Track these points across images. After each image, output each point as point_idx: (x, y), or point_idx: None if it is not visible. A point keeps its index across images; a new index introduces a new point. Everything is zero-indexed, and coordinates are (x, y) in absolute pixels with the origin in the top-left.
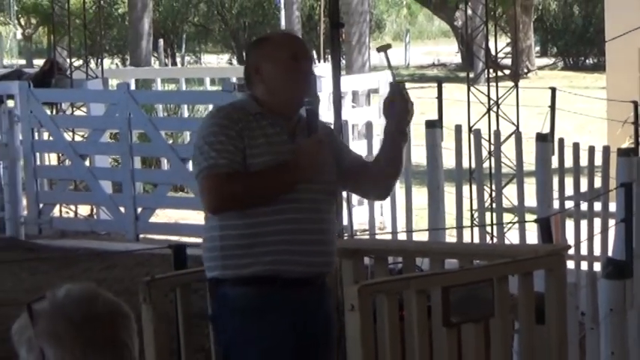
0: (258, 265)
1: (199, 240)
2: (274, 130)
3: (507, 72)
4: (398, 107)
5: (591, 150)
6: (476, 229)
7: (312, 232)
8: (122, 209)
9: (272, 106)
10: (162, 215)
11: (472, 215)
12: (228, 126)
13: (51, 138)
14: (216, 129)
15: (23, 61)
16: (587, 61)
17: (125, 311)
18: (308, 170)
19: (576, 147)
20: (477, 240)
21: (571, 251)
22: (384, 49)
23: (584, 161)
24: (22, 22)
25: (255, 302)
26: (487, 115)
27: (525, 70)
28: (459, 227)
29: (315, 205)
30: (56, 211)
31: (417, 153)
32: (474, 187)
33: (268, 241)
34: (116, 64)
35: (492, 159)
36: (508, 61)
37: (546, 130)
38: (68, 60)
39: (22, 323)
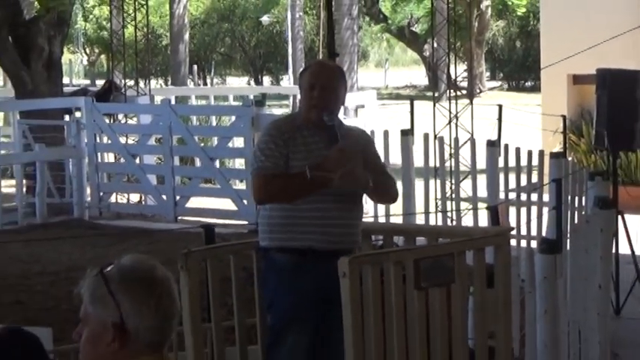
0: (295, 240)
1: (224, 221)
2: (313, 139)
3: (464, 92)
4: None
5: (529, 153)
6: (440, 215)
7: (337, 218)
8: (164, 197)
9: (307, 119)
10: (196, 202)
11: (437, 203)
12: (277, 135)
13: (109, 141)
14: (268, 138)
15: (88, 82)
16: (526, 83)
17: (171, 276)
18: (334, 172)
19: (517, 151)
20: (440, 223)
21: (513, 232)
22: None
23: (523, 162)
24: (87, 51)
25: (292, 267)
26: (449, 125)
27: (478, 91)
28: (427, 212)
29: (341, 198)
30: (113, 198)
31: (394, 155)
32: (438, 182)
33: (303, 223)
34: (160, 84)
35: (452, 159)
36: (465, 84)
37: (494, 137)
38: (123, 81)
39: (90, 285)
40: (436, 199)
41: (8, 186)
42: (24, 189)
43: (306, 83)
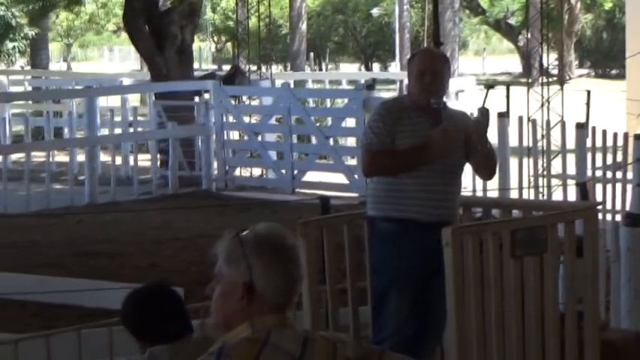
0: (399, 211)
1: (337, 194)
2: (419, 120)
3: (555, 78)
4: (482, 125)
5: (615, 135)
6: (532, 190)
7: (438, 192)
8: (283, 171)
9: (416, 102)
10: (312, 176)
11: (529, 180)
12: (385, 115)
13: (234, 120)
14: (377, 117)
15: (215, 67)
16: (612, 71)
17: (300, 243)
18: (435, 151)
19: (604, 133)
20: (532, 197)
21: (600, 207)
22: (489, 87)
23: (609, 143)
24: (215, 39)
25: (395, 235)
26: (541, 109)
27: (568, 77)
28: (521, 188)
29: (441, 174)
30: (237, 172)
31: (491, 136)
32: (531, 160)
33: (407, 195)
34: (280, 69)
35: (544, 140)
36: (555, 71)
37: (583, 120)
38: (247, 66)
39: (227, 247)
40: (529, 175)
41: (144, 160)
42: (158, 163)
43: (418, 69)
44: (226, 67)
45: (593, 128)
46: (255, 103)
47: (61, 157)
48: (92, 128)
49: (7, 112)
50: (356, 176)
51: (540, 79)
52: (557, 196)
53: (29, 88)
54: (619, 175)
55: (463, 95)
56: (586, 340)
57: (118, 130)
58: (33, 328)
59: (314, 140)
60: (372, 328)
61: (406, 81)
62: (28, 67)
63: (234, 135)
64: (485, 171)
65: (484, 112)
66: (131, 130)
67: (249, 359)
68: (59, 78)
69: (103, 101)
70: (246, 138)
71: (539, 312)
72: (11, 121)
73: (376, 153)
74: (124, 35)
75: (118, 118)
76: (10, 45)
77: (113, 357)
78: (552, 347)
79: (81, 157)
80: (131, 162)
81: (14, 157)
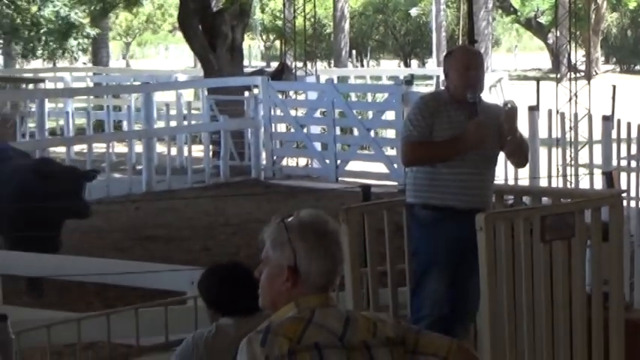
0: (436, 198)
1: (378, 182)
2: (455, 113)
3: (582, 74)
4: (512, 116)
5: (639, 127)
6: (561, 178)
7: (473, 181)
8: (327, 161)
9: (454, 96)
10: (354, 165)
11: (558, 169)
12: (424, 109)
13: (282, 114)
14: (416, 111)
15: (264, 64)
16: (636, 67)
17: (341, 228)
18: (470, 143)
19: (629, 125)
20: (561, 185)
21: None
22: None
23: (634, 134)
24: (264, 38)
25: (432, 221)
26: (569, 102)
27: (594, 73)
28: (550, 177)
29: (476, 163)
30: (284, 162)
31: (521, 128)
32: (560, 150)
33: (444, 184)
34: (324, 66)
35: (572, 132)
36: (583, 67)
37: (609, 113)
38: (294, 63)
39: (273, 232)
40: (558, 165)
41: (197, 151)
42: (210, 153)
43: (461, 65)
44: (274, 64)
45: (619, 120)
46: (301, 97)
47: (121, 148)
48: (149, 121)
49: (71, 106)
50: (395, 166)
51: (568, 74)
52: (584, 184)
53: (91, 84)
54: None
55: (496, 90)
56: (611, 319)
57: (173, 123)
58: (94, 308)
59: (356, 132)
60: (410, 308)
61: (442, 77)
62: (90, 65)
63: (282, 127)
64: (517, 159)
65: (512, 105)
66: (185, 123)
67: (294, 337)
68: (119, 74)
69: (160, 96)
70: (292, 130)
71: (567, 293)
72: (74, 114)
73: (415, 144)
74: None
75: (173, 112)
76: (73, 43)
77: (168, 334)
78: (579, 326)
79: (139, 148)
80: (185, 153)
81: (77, 148)
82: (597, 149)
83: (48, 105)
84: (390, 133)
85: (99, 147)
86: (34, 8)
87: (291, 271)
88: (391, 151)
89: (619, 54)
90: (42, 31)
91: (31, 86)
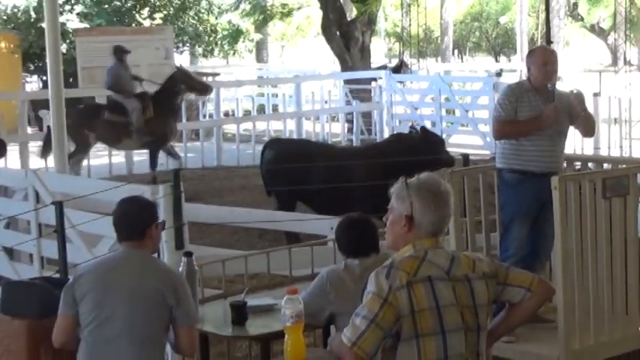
0: (519, 164)
1: (475, 152)
2: (535, 98)
3: (635, 67)
4: (580, 97)
5: None
6: (618, 149)
7: (548, 151)
8: None
9: (534, 85)
10: (456, 139)
11: (615, 141)
12: (510, 95)
13: (400, 99)
14: (504, 96)
15: (387, 60)
16: None
17: (450, 189)
18: (547, 122)
19: None
20: (618, 154)
21: None
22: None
23: None
24: (387, 41)
25: (516, 182)
26: (624, 89)
27: None
28: (609, 148)
29: (551, 137)
30: None
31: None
32: (617, 127)
33: (525, 153)
34: (433, 62)
35: (627, 112)
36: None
37: None
38: (409, 60)
39: (397, 188)
40: (615, 139)
41: (335, 128)
42: (345, 130)
43: (542, 61)
44: (394, 61)
45: None
46: (414, 86)
47: (277, 126)
48: (299, 105)
49: (239, 94)
50: (488, 139)
51: (624, 68)
52: (636, 153)
53: (254, 77)
54: None
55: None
56: None
57: (317, 106)
58: (258, 247)
59: (457, 113)
60: (499, 249)
61: (524, 70)
62: (254, 62)
63: (400, 110)
64: (586, 130)
65: (578, 91)
66: (326, 106)
67: (411, 271)
68: (276, 70)
69: (307, 86)
70: (408, 112)
71: (623, 238)
72: (242, 100)
73: (503, 123)
74: (322, 38)
75: (317, 98)
76: (241, 46)
77: (313, 268)
78: (633, 264)
79: (290, 126)
80: (326, 129)
81: (244, 126)
82: None
83: (222, 93)
84: (484, 114)
85: (260, 125)
86: (212, 19)
87: (407, 219)
88: (484, 128)
89: None
90: (218, 36)
91: (210, 79)
